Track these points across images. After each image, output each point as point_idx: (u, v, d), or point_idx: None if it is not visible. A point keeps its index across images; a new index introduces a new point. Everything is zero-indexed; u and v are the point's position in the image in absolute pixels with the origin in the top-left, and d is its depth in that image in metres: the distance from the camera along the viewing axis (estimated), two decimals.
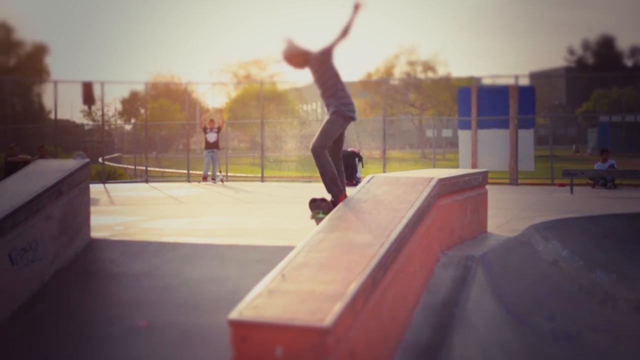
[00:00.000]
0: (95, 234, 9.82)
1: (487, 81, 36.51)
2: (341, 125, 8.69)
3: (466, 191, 9.04)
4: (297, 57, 8.76)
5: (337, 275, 5.74)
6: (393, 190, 7.87)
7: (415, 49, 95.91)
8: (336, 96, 8.66)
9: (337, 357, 5.07)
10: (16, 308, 8.17)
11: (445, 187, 8.23)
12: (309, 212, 9.07)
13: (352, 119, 8.72)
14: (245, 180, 27.39)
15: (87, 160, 10.36)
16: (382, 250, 6.17)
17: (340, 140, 8.89)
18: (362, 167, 23.35)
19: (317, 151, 8.50)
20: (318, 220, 8.42)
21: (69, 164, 9.96)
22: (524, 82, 41.81)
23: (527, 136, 24.55)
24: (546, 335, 7.66)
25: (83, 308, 8.04)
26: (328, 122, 8.60)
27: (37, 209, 8.74)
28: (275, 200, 17.23)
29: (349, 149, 24.23)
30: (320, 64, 8.68)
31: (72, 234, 9.31)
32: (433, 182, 7.88)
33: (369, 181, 8.27)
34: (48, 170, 9.79)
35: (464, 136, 25.46)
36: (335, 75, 8.68)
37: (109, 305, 8.04)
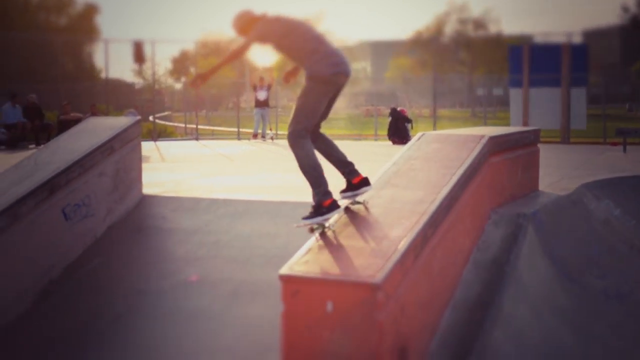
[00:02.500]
0: (146, 190, 9.90)
1: (539, 39, 36.05)
2: (322, 93, 6.54)
3: (517, 149, 8.96)
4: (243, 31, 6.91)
5: (388, 231, 5.75)
6: (444, 147, 7.82)
7: (466, 6, 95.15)
8: (307, 57, 6.59)
9: (387, 313, 5.08)
10: (70, 263, 8.29)
11: (497, 145, 8.15)
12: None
13: (339, 76, 6.57)
14: None
15: (138, 117, 10.43)
16: (433, 207, 6.15)
17: (328, 108, 6.85)
18: (412, 128, 23.23)
19: (292, 139, 6.51)
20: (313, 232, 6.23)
21: (121, 122, 10.03)
22: (577, 40, 41.22)
23: (579, 95, 24.24)
24: (597, 294, 7.61)
25: (135, 263, 8.14)
26: (301, 94, 6.57)
27: (90, 165, 8.83)
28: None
29: (398, 109, 24.12)
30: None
31: (124, 190, 9.40)
32: (484, 140, 7.81)
33: (419, 139, 8.22)
34: (100, 128, 9.87)
35: (515, 95, 25.20)
36: (293, 42, 6.67)
37: (160, 260, 8.13)
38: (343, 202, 6.56)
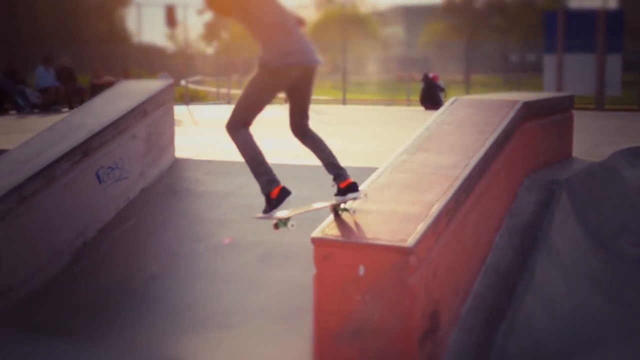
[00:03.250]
0: (179, 153, 9.95)
1: (574, 4, 35.61)
2: (268, 85, 5.87)
3: (551, 115, 8.88)
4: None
5: (420, 196, 5.74)
6: (477, 112, 7.78)
7: None
8: (263, 42, 5.83)
9: (418, 277, 5.10)
10: (104, 225, 8.37)
11: (530, 110, 8.09)
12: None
13: (292, 67, 5.81)
14: (327, 103, 27.35)
15: (171, 80, 10.45)
16: (466, 172, 6.13)
17: (301, 101, 6.18)
18: (445, 96, 23.10)
19: (228, 130, 5.98)
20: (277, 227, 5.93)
21: (154, 85, 10.07)
22: (613, 5, 40.68)
23: (614, 61, 23.94)
24: (631, 261, 7.57)
25: (168, 225, 8.20)
26: (249, 82, 5.92)
27: (124, 128, 8.88)
28: (357, 122, 17.18)
29: (431, 75, 23.97)
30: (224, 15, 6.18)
31: (156, 153, 9.45)
32: (518, 105, 7.75)
33: (452, 103, 8.17)
34: (133, 91, 9.91)
35: (549, 61, 24.94)
36: (252, 19, 5.88)
37: (193, 223, 8.18)
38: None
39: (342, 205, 5.96)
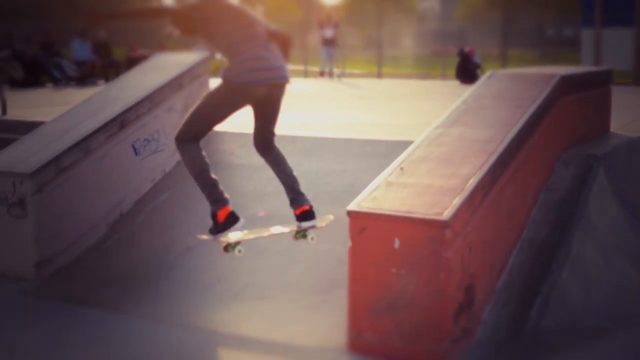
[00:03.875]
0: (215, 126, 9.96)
1: None
2: (226, 101, 5.61)
3: (589, 89, 8.78)
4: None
5: (456, 169, 5.72)
6: (514, 86, 7.72)
7: None
8: (229, 60, 5.63)
9: (454, 251, 5.09)
10: (140, 197, 8.43)
11: (568, 85, 8.01)
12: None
13: (254, 86, 5.52)
14: (362, 77, 27.29)
15: (207, 54, 10.45)
16: (502, 146, 6.09)
17: (267, 119, 5.96)
18: (481, 71, 22.93)
19: (178, 140, 5.76)
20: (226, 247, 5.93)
21: (189, 58, 10.08)
22: None
23: None
24: None
25: (203, 198, 8.21)
26: (207, 94, 5.75)
27: (160, 100, 8.91)
28: (392, 96, 17.13)
29: (466, 49, 23.80)
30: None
31: None
32: (555, 79, 7.68)
33: (489, 77, 8.12)
34: (169, 64, 9.93)
35: (587, 35, 24.71)
36: (217, 34, 5.67)
37: (229, 195, 8.20)
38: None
39: (304, 226, 5.93)
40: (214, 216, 5.65)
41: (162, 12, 5.84)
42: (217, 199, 5.74)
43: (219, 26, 5.53)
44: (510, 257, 6.38)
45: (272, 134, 6.06)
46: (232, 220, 5.69)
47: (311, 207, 5.84)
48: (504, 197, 6.10)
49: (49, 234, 7.36)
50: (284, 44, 5.92)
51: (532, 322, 5.73)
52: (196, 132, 5.72)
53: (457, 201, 5.19)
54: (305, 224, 5.82)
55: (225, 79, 5.51)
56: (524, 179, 6.72)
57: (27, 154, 7.63)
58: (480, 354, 5.32)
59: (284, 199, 7.72)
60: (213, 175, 5.74)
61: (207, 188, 5.77)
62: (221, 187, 5.73)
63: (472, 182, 5.46)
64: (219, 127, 9.85)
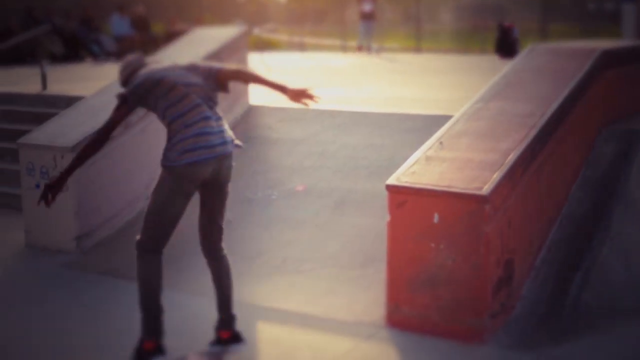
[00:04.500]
0: (254, 101, 9.99)
1: None
2: (173, 190, 4.84)
3: (630, 64, 8.68)
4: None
5: (496, 144, 5.68)
6: (554, 60, 7.65)
7: None
8: (167, 139, 4.88)
9: (494, 226, 5.07)
10: None
11: (610, 59, 7.92)
12: None
13: (196, 167, 4.78)
14: (400, 52, 27.14)
15: (245, 28, 10.45)
16: (542, 121, 6.05)
17: (213, 206, 5.17)
18: (520, 46, 22.69)
19: (138, 250, 5.01)
20: None
21: (228, 32, 10.09)
22: None
23: None
24: None
25: (243, 172, 8.23)
26: (153, 191, 4.95)
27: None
28: (431, 71, 17.03)
29: (505, 24, 23.56)
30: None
31: (231, 100, 9.47)
32: (596, 54, 7.59)
33: (529, 51, 8.05)
34: (207, 38, 9.95)
35: (628, 9, 24.34)
36: (157, 115, 4.96)
37: (267, 169, 8.24)
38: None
39: (231, 351, 5.14)
40: (140, 342, 4.89)
41: (114, 119, 4.96)
42: (153, 328, 4.93)
43: (155, 106, 4.85)
44: (549, 233, 6.34)
45: (220, 231, 5.29)
46: (155, 355, 4.91)
47: (238, 331, 5.13)
48: (544, 172, 6.06)
49: (89, 207, 7.43)
50: (245, 81, 5.30)
51: (572, 299, 5.70)
52: (156, 238, 4.97)
53: (497, 176, 5.16)
54: (233, 348, 5.10)
55: (164, 166, 4.81)
56: (564, 154, 6.67)
57: (68, 128, 7.69)
58: (518, 330, 5.30)
59: (322, 173, 7.75)
60: (161, 302, 4.98)
61: (149, 313, 4.93)
62: (163, 317, 4.97)
63: (512, 157, 5.42)
64: (257, 102, 9.95)
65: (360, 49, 24.65)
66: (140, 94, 4.86)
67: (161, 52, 10.32)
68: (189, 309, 5.88)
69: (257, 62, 19.20)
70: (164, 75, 4.85)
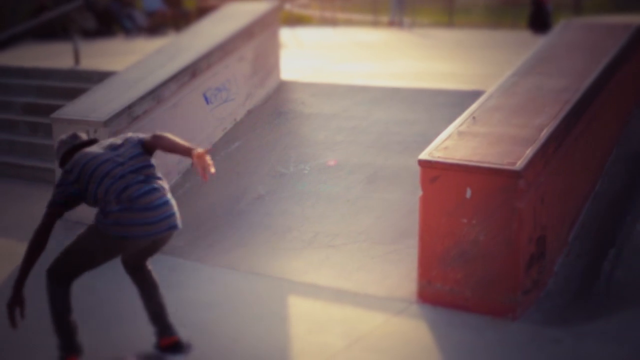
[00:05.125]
0: (285, 76, 9.98)
1: None
2: (99, 248, 4.63)
3: None
4: None
5: (530, 119, 5.65)
6: (589, 36, 7.58)
7: None
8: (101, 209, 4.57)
9: (526, 201, 5.04)
10: (211, 145, 8.49)
11: None
12: None
13: (128, 240, 4.54)
14: (432, 27, 26.97)
15: (277, 3, 10.43)
16: (577, 96, 5.99)
17: (143, 256, 4.97)
18: (554, 22, 22.45)
19: (49, 276, 4.71)
20: None
21: (260, 7, 10.06)
22: None
23: None
24: None
25: (275, 147, 8.27)
26: (79, 235, 4.75)
27: (231, 49, 8.93)
28: (463, 46, 16.91)
29: None
30: None
31: (263, 75, 9.50)
32: (632, 29, 7.51)
33: (563, 27, 7.98)
34: (239, 13, 9.94)
35: None
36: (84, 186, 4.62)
37: (299, 144, 8.23)
38: None
39: None
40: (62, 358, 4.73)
41: (45, 224, 4.68)
42: (69, 345, 4.76)
43: (87, 187, 4.61)
44: (583, 210, 6.31)
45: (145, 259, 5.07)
46: None
47: (179, 338, 4.92)
48: (577, 148, 6.02)
49: None
50: (163, 148, 4.83)
51: (604, 275, 5.66)
52: (69, 275, 4.74)
53: (530, 151, 5.13)
54: (172, 358, 4.91)
55: (96, 223, 4.58)
56: (598, 131, 6.62)
57: (101, 103, 7.73)
58: (550, 306, 5.29)
59: (354, 148, 7.74)
60: (73, 319, 4.77)
61: (63, 332, 4.75)
62: (79, 334, 4.80)
63: (545, 132, 5.38)
64: (288, 77, 9.94)
65: (392, 24, 24.53)
66: (71, 180, 4.62)
67: (193, 27, 10.33)
68: (222, 283, 5.91)
69: (288, 37, 19.17)
70: (95, 156, 4.64)
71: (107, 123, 7.31)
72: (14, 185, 8.86)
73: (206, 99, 8.55)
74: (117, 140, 4.80)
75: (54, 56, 12.85)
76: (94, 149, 4.73)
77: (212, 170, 4.52)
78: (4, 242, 7.00)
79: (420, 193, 5.29)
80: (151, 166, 4.73)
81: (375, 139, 7.95)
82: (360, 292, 5.62)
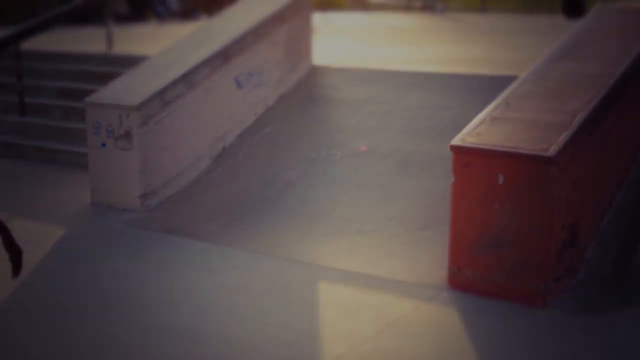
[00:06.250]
0: (317, 60, 9.96)
1: None
2: None
3: None
4: None
5: (563, 105, 5.59)
6: (624, 20, 7.49)
7: None
8: None
9: (559, 188, 5.00)
10: (243, 131, 8.50)
11: None
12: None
13: None
14: (465, 11, 26.81)
15: None
16: (611, 82, 5.93)
17: None
18: (588, 7, 22.26)
19: None
20: None
21: None
22: None
23: None
24: None
25: (306, 132, 8.26)
26: None
27: (263, 34, 8.92)
28: (497, 31, 16.79)
29: None
30: None
31: (295, 60, 9.48)
32: None
33: (598, 11, 7.89)
34: None
35: None
36: None
37: (331, 129, 8.22)
38: None
39: None
40: None
41: None
42: None
43: None
44: (616, 197, 6.25)
45: None
46: None
47: None
48: (611, 134, 5.95)
49: (153, 166, 7.50)
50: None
51: (637, 263, 5.61)
52: None
53: (563, 137, 5.08)
54: None
55: None
56: (633, 117, 6.55)
57: (133, 88, 7.76)
58: (582, 293, 5.24)
59: (386, 134, 7.73)
60: None
61: None
62: None
63: (579, 118, 5.33)
64: (320, 62, 9.92)
65: (424, 8, 24.41)
66: None
67: (225, 11, 10.32)
68: (251, 267, 5.91)
69: (320, 21, 19.13)
70: None
71: (139, 107, 7.33)
72: (47, 170, 8.93)
73: (238, 84, 8.54)
74: None
75: (87, 41, 12.92)
76: None
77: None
78: (32, 226, 7.03)
79: (452, 179, 5.27)
80: None
81: (407, 125, 7.92)
82: (390, 279, 5.60)
